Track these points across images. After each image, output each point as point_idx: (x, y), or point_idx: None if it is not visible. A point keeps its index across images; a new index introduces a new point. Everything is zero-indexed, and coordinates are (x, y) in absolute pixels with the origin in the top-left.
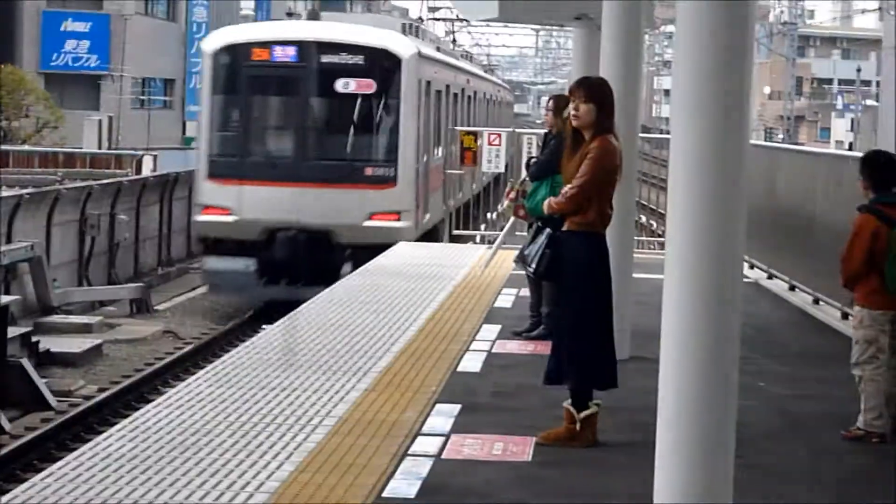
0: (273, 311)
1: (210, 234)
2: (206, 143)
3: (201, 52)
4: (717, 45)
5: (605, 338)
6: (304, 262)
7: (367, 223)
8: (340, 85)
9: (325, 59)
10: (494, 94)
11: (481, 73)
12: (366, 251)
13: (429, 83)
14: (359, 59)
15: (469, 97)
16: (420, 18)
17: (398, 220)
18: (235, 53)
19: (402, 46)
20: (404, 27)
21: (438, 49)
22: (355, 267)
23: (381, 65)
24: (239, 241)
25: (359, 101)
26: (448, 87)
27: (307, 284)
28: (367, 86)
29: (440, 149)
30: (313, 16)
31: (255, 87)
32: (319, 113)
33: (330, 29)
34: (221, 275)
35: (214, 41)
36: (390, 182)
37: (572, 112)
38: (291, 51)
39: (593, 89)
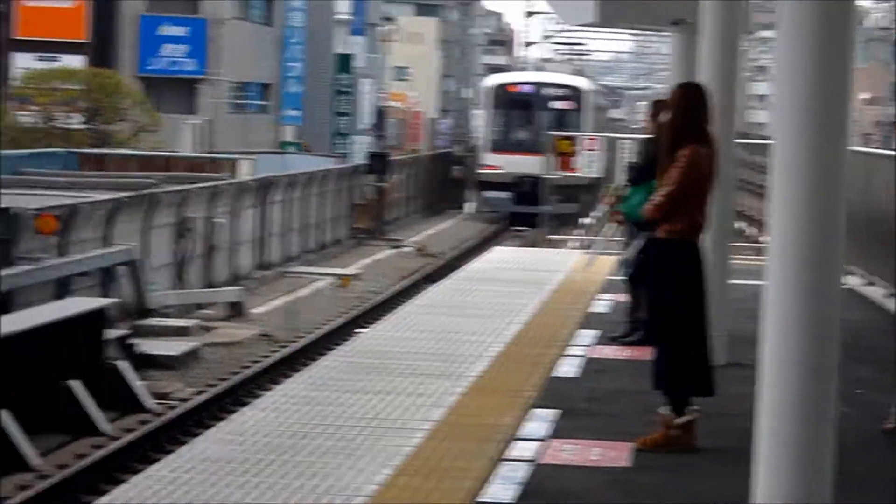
0: (517, 219)
1: (488, 180)
2: (487, 132)
3: (484, 86)
4: (818, 48)
5: (697, 345)
6: (535, 194)
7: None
8: (554, 104)
9: (546, 90)
10: (606, 103)
11: (601, 89)
12: (565, 188)
13: (595, 102)
14: (563, 91)
15: (601, 107)
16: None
17: (581, 171)
18: (502, 87)
19: (585, 84)
20: (573, 70)
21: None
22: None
23: (575, 94)
24: (501, 183)
25: (563, 112)
26: (598, 102)
27: (534, 205)
28: (568, 104)
29: None
30: (539, 69)
31: (511, 105)
32: (543, 118)
33: (549, 76)
34: (493, 200)
35: (492, 81)
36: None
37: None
38: (530, 87)
39: (676, 95)
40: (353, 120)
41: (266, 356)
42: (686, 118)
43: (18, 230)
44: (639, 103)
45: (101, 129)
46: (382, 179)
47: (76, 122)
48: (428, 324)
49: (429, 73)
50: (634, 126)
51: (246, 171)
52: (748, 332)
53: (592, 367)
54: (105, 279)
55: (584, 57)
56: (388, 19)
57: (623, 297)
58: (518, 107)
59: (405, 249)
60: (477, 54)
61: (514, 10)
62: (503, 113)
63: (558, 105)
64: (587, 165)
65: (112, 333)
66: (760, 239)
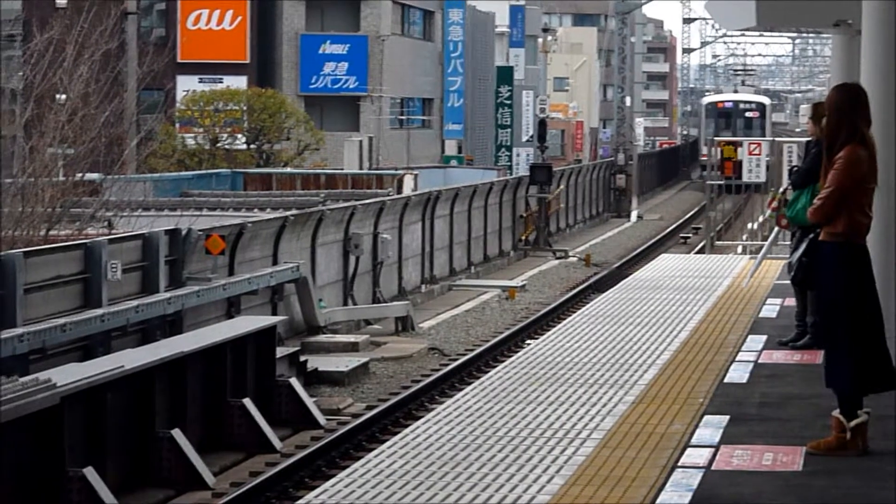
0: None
1: (704, 164)
2: (704, 134)
3: (701, 104)
4: None
5: (867, 345)
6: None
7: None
8: (746, 114)
9: (742, 105)
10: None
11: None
12: None
13: (771, 111)
14: (752, 105)
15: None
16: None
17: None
18: (713, 103)
19: (766, 101)
20: (755, 90)
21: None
22: None
23: (760, 107)
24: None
25: (752, 119)
26: (771, 112)
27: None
28: (755, 114)
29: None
30: (736, 91)
31: (718, 115)
32: (739, 124)
33: (742, 95)
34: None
35: (706, 100)
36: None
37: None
38: (731, 104)
39: (831, 98)
40: (514, 132)
41: (436, 370)
42: (841, 121)
43: (188, 251)
44: (802, 106)
45: (264, 148)
46: (546, 190)
47: (240, 142)
48: (597, 333)
49: (589, 82)
50: (798, 130)
51: (410, 187)
52: None
53: (762, 371)
54: (274, 297)
55: (745, 63)
56: (547, 30)
57: (791, 301)
58: (723, 116)
59: (570, 260)
60: (638, 62)
61: (675, 17)
62: (713, 120)
63: (749, 115)
64: (751, 170)
65: (282, 351)
66: None
